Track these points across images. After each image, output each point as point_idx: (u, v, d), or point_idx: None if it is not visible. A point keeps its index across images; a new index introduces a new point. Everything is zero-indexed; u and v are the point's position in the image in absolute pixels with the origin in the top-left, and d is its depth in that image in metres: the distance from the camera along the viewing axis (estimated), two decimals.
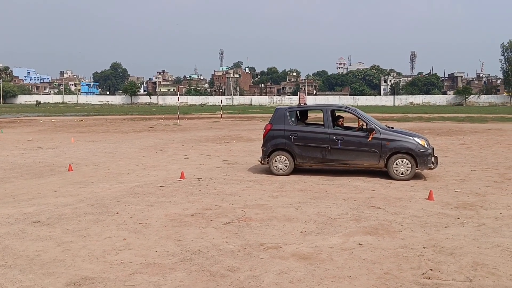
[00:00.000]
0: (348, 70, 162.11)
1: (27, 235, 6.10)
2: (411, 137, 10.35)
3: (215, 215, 7.11)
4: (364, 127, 10.58)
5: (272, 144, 10.93)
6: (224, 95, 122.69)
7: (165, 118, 40.18)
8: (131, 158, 14.00)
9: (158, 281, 4.55)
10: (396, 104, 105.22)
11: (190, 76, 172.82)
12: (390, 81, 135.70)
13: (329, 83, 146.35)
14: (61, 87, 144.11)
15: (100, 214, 7.19)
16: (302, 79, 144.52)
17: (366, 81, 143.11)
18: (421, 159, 10.05)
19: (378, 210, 7.38)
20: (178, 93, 45.25)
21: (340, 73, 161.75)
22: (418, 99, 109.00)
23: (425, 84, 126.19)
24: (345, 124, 11.27)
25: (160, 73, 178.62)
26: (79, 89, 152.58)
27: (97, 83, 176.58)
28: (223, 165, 12.52)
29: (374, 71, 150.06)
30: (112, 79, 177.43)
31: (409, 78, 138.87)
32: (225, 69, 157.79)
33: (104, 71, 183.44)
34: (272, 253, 5.37)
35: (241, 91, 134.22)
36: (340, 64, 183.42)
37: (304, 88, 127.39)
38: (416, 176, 10.53)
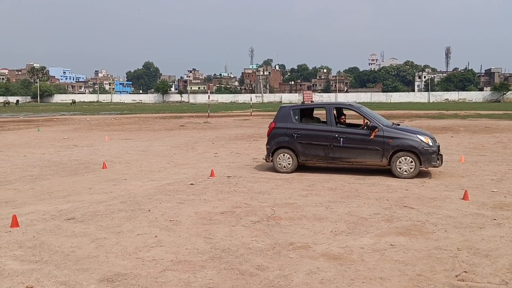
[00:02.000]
0: (381, 66, 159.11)
1: (62, 231, 6.28)
2: (414, 135, 10.23)
3: (245, 213, 7.14)
4: (369, 124, 10.54)
5: (276, 142, 11.02)
6: (254, 93, 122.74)
7: (196, 116, 40.62)
8: (163, 156, 14.22)
9: (188, 278, 4.61)
10: (431, 101, 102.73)
11: (220, 74, 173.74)
12: (425, 77, 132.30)
13: (360, 79, 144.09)
14: (96, 86, 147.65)
15: (132, 211, 7.33)
16: (333, 76, 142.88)
17: (400, 77, 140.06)
18: (425, 157, 9.93)
19: (411, 210, 7.24)
20: (209, 91, 45.73)
21: (372, 69, 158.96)
22: (453, 96, 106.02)
23: (461, 80, 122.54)
24: (354, 122, 11.25)
25: (191, 71, 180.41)
26: (113, 88, 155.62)
27: (130, 82, 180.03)
28: (252, 163, 12.55)
29: (408, 67, 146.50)
30: (145, 78, 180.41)
31: (444, 74, 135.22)
32: (255, 67, 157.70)
33: (137, 70, 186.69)
34: (301, 252, 5.34)
35: (271, 89, 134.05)
36: (372, 60, 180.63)
37: (335, 85, 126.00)
38: (452, 175, 10.29)
